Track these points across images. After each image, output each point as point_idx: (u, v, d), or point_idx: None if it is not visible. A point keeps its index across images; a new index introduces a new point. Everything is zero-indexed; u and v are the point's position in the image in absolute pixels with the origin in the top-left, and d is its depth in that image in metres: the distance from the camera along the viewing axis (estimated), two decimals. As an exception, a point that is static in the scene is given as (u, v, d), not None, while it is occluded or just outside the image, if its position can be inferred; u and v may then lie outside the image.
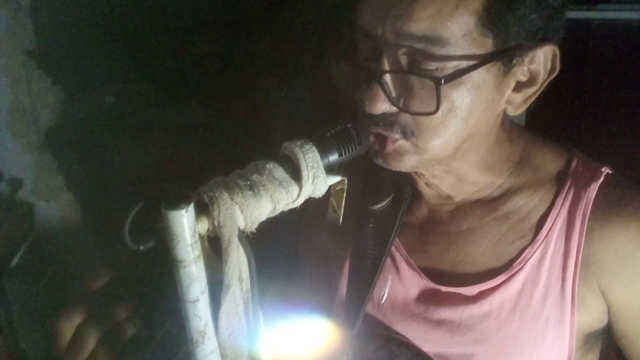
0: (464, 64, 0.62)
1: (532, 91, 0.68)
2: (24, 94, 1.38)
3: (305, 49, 1.73)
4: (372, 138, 0.68)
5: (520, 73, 0.67)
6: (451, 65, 0.62)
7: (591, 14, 1.50)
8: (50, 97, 1.45)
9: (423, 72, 0.62)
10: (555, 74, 0.68)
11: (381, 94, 0.64)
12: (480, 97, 0.65)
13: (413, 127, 0.66)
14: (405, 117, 0.66)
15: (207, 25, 1.83)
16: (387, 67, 0.64)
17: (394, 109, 0.65)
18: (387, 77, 0.64)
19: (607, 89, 1.55)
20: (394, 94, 0.65)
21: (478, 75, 0.63)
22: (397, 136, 0.67)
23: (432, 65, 0.62)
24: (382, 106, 0.65)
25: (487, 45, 0.62)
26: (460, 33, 0.61)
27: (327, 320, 0.80)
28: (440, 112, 0.63)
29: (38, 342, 1.37)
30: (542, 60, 0.66)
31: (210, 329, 0.52)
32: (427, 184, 0.79)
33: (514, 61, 0.65)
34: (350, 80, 0.70)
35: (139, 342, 0.68)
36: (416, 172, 0.78)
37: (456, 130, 0.66)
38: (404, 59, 0.64)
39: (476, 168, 0.76)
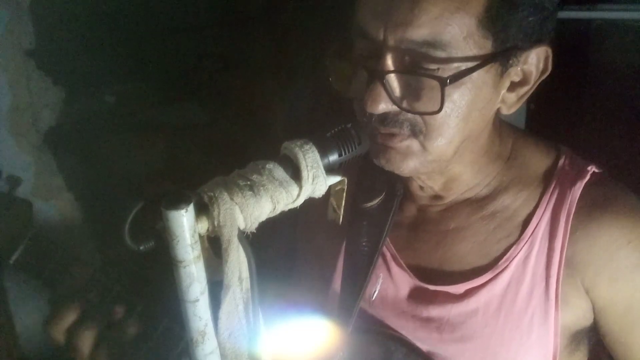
0: (465, 64, 0.63)
1: (525, 91, 0.69)
2: (24, 94, 1.38)
3: (305, 49, 1.73)
4: (377, 135, 0.68)
5: (514, 73, 0.68)
6: (453, 66, 0.62)
7: (591, 14, 1.50)
8: (50, 97, 1.45)
9: (426, 73, 0.63)
10: (547, 73, 0.69)
11: (383, 94, 0.64)
12: (479, 97, 0.66)
13: (422, 126, 0.66)
14: (408, 117, 0.66)
15: (207, 25, 1.83)
16: (389, 67, 0.64)
17: (395, 108, 0.65)
18: (389, 77, 0.64)
19: (607, 89, 1.55)
20: (395, 94, 0.65)
21: (478, 75, 0.64)
22: (407, 132, 0.67)
23: (435, 66, 0.63)
24: (384, 106, 0.65)
25: (486, 46, 0.63)
26: (462, 35, 0.62)
27: (324, 317, 0.81)
28: (443, 111, 0.63)
29: (37, 339, 1.37)
30: (534, 61, 0.68)
31: (210, 329, 0.52)
32: (420, 186, 0.79)
33: (511, 62, 0.66)
34: (349, 81, 0.70)
35: (138, 339, 0.68)
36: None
37: (458, 129, 0.67)
38: (406, 60, 0.64)
39: (469, 168, 0.77)
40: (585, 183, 0.74)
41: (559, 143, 0.82)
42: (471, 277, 0.76)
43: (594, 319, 0.75)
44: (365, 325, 0.81)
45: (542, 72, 0.69)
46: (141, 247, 0.51)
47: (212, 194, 0.51)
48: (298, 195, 0.57)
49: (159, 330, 0.68)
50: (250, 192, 0.53)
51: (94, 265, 0.74)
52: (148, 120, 1.79)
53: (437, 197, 0.80)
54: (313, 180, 0.57)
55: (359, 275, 0.81)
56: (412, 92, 0.65)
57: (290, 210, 0.58)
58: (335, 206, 0.65)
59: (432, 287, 0.78)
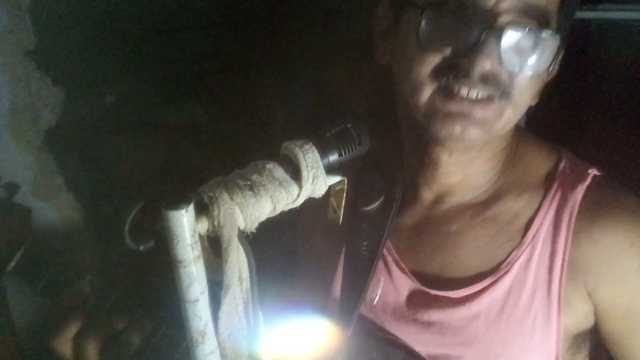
0: (559, 38, 0.67)
1: (543, 82, 0.74)
2: (24, 94, 1.38)
3: (305, 49, 1.73)
4: (451, 101, 0.68)
5: None
6: (556, 36, 0.67)
7: (591, 14, 1.50)
8: (50, 97, 1.45)
9: (545, 31, 0.66)
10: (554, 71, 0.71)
11: (495, 52, 0.65)
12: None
13: (511, 88, 0.68)
14: (505, 77, 0.67)
15: (207, 25, 1.83)
16: (506, 23, 0.65)
17: (498, 68, 0.66)
18: (503, 33, 0.65)
19: (607, 89, 1.55)
20: (507, 52, 0.66)
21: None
22: (497, 95, 0.68)
23: (542, 27, 0.66)
24: (490, 65, 0.66)
25: (563, 26, 0.69)
26: (555, 10, 0.67)
27: (324, 320, 0.80)
28: (530, 78, 0.68)
29: (38, 343, 1.37)
30: None
31: (210, 329, 0.52)
32: (431, 179, 0.79)
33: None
34: (445, 36, 0.68)
35: (138, 347, 0.68)
36: (429, 164, 0.78)
37: (528, 100, 0.71)
38: (520, 21, 0.66)
39: (485, 162, 0.77)
40: (587, 186, 0.74)
41: (559, 144, 0.82)
42: (473, 281, 0.76)
43: (596, 321, 0.75)
44: (364, 329, 0.81)
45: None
46: (141, 247, 0.51)
47: (212, 194, 0.51)
48: (298, 195, 0.57)
49: (158, 336, 0.68)
50: (250, 192, 0.53)
51: (92, 269, 0.74)
52: (148, 120, 1.79)
53: (438, 199, 0.80)
54: (313, 180, 0.57)
55: (359, 279, 0.80)
56: (521, 51, 0.66)
57: (290, 210, 0.58)
58: (335, 206, 0.65)
59: (433, 292, 0.78)
